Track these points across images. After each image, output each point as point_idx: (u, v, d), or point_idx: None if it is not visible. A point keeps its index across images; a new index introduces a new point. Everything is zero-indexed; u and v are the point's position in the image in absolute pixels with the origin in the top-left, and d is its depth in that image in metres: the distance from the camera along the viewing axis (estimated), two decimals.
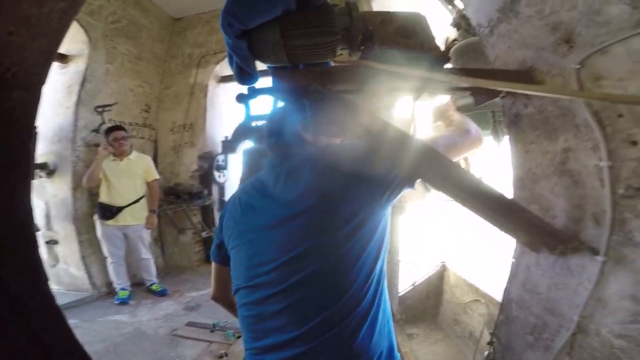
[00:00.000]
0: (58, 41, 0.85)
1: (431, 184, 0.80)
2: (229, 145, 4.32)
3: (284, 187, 0.74)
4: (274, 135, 0.82)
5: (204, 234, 4.08)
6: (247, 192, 0.83)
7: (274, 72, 0.86)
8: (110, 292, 3.28)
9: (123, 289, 3.19)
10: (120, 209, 3.11)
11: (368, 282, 0.69)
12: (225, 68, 4.38)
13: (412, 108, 0.91)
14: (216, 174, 4.29)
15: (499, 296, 1.73)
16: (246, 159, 2.72)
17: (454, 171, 0.72)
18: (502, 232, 0.83)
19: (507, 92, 0.90)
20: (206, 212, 4.27)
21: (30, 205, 0.80)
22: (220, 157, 4.33)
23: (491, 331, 1.09)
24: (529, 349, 0.90)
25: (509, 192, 0.91)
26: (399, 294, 2.21)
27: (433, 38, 0.83)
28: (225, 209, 0.88)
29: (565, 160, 0.80)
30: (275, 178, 0.77)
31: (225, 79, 4.50)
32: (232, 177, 4.49)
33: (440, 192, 0.80)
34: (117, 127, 3.31)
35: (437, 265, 2.29)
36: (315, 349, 0.65)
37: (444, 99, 0.98)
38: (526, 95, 0.87)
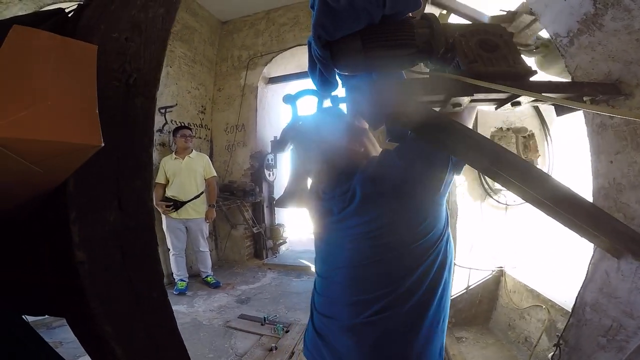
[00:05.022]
0: (164, 47, 0.86)
1: (508, 185, 0.84)
2: (278, 145, 4.52)
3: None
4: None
5: (254, 229, 4.32)
6: None
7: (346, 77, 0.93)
8: (170, 282, 3.52)
9: (182, 280, 3.44)
10: (183, 204, 3.38)
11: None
12: (272, 69, 4.58)
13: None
14: (266, 172, 4.51)
15: (562, 302, 1.71)
16: (294, 158, 2.86)
17: (534, 172, 0.76)
18: (582, 238, 0.86)
19: (591, 102, 0.91)
20: (257, 208, 4.51)
21: (152, 207, 0.86)
22: (270, 157, 4.55)
23: (558, 334, 1.11)
24: (601, 350, 0.92)
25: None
26: (451, 297, 2.21)
27: (517, 52, 0.87)
28: None
29: None
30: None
31: (273, 80, 4.70)
32: (280, 176, 4.70)
33: (515, 194, 0.84)
34: (185, 127, 3.63)
35: (493, 270, 2.26)
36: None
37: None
38: (613, 106, 0.88)
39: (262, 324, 2.63)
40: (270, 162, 4.58)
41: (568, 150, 2.21)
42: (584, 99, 0.90)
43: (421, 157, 0.79)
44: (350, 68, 0.91)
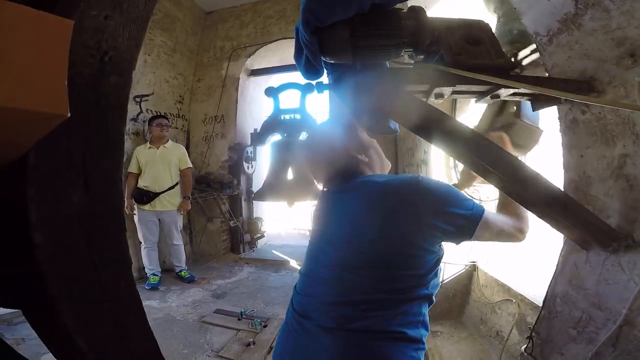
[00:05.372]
0: (144, 28, 0.84)
1: (480, 171, 0.85)
2: (258, 138, 4.47)
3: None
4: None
5: (231, 223, 4.23)
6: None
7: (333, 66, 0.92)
8: (141, 277, 3.40)
9: (154, 274, 3.32)
10: (156, 195, 3.26)
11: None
12: (255, 62, 4.50)
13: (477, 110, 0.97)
14: (245, 165, 4.43)
15: (532, 296, 1.78)
16: (274, 151, 2.82)
17: (509, 159, 0.78)
18: (554, 229, 0.89)
19: (565, 100, 0.94)
20: (234, 201, 4.42)
21: (121, 190, 0.82)
22: (249, 149, 4.47)
23: (530, 327, 1.15)
24: (572, 341, 0.96)
25: None
26: None
27: (500, 47, 0.88)
28: None
29: (623, 165, 0.84)
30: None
31: (255, 73, 4.62)
32: (260, 169, 4.63)
33: (489, 181, 0.86)
34: (162, 116, 3.50)
35: (466, 265, 2.33)
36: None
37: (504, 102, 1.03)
38: (585, 103, 0.91)
39: (239, 319, 2.58)
40: (249, 154, 4.49)
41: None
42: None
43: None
44: (337, 56, 0.90)
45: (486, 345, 2.08)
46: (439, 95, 0.91)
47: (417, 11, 0.90)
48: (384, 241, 0.74)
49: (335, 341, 0.72)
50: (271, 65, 4.63)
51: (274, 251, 4.45)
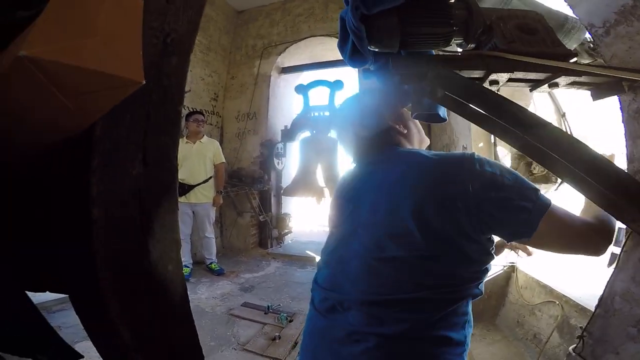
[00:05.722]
0: (200, 13, 0.84)
1: (552, 165, 0.78)
2: (288, 134, 4.54)
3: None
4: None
5: (261, 218, 4.33)
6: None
7: (394, 57, 0.91)
8: None
9: (186, 266, 3.38)
10: (191, 187, 3.38)
11: None
12: (285, 59, 4.59)
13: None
14: (275, 161, 4.52)
15: (576, 297, 1.69)
16: (303, 147, 2.84)
17: (574, 142, 0.72)
18: (619, 221, 0.84)
19: (628, 89, 0.89)
20: (264, 196, 4.52)
21: (176, 167, 0.82)
22: (280, 145, 4.55)
23: (581, 326, 1.09)
24: (630, 340, 0.90)
25: None
26: None
27: (556, 36, 0.86)
28: None
29: None
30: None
31: (286, 70, 4.71)
32: (289, 165, 4.70)
33: (550, 169, 0.80)
34: (198, 112, 3.64)
35: (504, 266, 2.25)
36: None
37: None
38: None
39: (265, 313, 2.62)
40: (279, 150, 4.58)
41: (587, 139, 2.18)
42: (623, 84, 0.89)
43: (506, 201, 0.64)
44: (384, 44, 0.89)
45: (521, 349, 2.00)
46: (494, 82, 0.89)
47: (467, 0, 0.89)
48: (428, 225, 0.63)
49: (366, 349, 0.64)
50: (301, 63, 4.69)
51: (300, 247, 4.50)
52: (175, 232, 0.76)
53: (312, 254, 4.12)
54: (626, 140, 0.97)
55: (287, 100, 4.87)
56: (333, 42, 4.14)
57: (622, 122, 0.98)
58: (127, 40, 0.54)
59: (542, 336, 1.85)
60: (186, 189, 3.39)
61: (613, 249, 2.20)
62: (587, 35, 1.15)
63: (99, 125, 0.62)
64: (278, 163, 4.60)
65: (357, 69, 1.20)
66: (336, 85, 2.94)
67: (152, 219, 0.70)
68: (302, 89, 3.00)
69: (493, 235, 0.69)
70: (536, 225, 0.62)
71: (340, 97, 2.79)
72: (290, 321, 2.49)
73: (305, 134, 3.03)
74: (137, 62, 0.53)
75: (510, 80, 0.88)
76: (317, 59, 4.59)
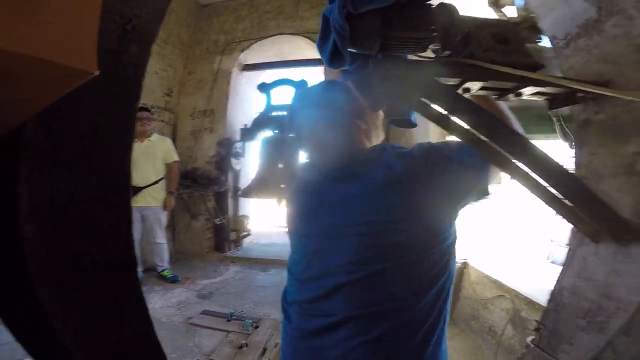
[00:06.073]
0: (168, 3, 0.78)
1: (501, 163, 0.85)
2: (248, 133, 4.40)
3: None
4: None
5: (217, 221, 4.13)
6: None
7: (376, 60, 0.91)
8: None
9: None
10: (139, 190, 3.12)
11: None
12: (249, 56, 4.46)
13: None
14: (233, 161, 4.35)
15: (525, 291, 1.85)
16: (264, 147, 2.78)
17: (533, 150, 0.79)
18: (567, 221, 0.93)
19: (580, 100, 0.99)
20: (221, 198, 4.32)
21: (130, 174, 0.74)
22: (239, 145, 4.39)
23: (535, 319, 1.19)
24: (581, 331, 1.00)
25: None
26: None
27: (526, 47, 0.92)
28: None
29: (635, 162, 0.90)
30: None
31: (248, 67, 4.56)
32: (248, 165, 4.55)
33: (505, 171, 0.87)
34: (141, 108, 3.34)
35: (457, 262, 2.39)
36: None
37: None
38: (598, 103, 0.97)
39: (228, 320, 2.49)
40: (238, 150, 4.40)
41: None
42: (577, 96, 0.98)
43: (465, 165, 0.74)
44: (365, 45, 0.88)
45: (479, 342, 2.14)
46: (467, 90, 0.93)
47: (449, 8, 0.91)
48: (404, 226, 0.67)
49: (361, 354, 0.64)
50: (265, 61, 4.59)
51: (260, 250, 4.38)
52: (131, 249, 0.66)
53: (274, 256, 4.03)
54: (575, 148, 1.07)
55: (247, 99, 4.73)
56: (301, 41, 4.10)
57: (572, 131, 1.08)
58: (79, 20, 0.44)
59: (497, 329, 1.99)
60: (134, 191, 3.12)
61: (551, 244, 2.45)
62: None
63: (30, 123, 0.50)
64: (236, 163, 4.43)
65: (324, 71, 1.15)
66: (301, 85, 2.92)
67: (101, 237, 0.59)
68: (265, 87, 2.93)
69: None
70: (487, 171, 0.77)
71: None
72: (256, 327, 2.39)
73: (267, 133, 2.96)
74: (90, 48, 0.45)
75: (481, 88, 0.93)
76: (283, 57, 4.52)
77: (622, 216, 0.87)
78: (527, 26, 1.20)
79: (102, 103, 0.61)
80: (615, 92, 0.73)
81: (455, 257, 0.76)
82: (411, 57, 1.01)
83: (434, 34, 0.89)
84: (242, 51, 4.32)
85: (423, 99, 0.87)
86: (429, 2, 0.89)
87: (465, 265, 2.39)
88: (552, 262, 2.37)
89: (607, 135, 0.96)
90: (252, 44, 4.30)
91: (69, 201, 0.54)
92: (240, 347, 2.15)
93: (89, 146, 0.59)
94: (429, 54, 1.09)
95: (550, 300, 1.13)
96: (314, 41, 4.56)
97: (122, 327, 0.67)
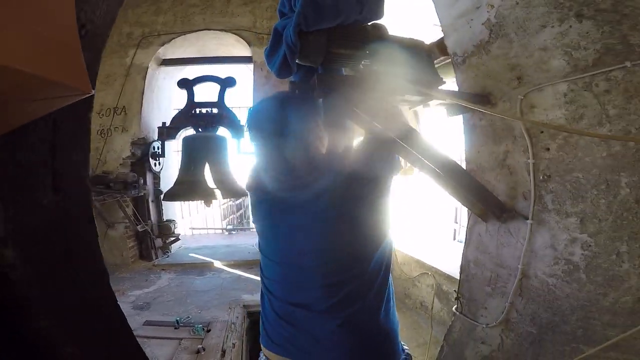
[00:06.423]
0: (119, 4, 0.79)
1: (411, 160, 1.06)
2: (168, 132, 4.06)
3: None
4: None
5: (139, 228, 3.78)
6: None
7: (319, 76, 1.01)
8: None
9: None
10: None
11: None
12: (169, 51, 4.14)
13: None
14: (152, 162, 4.00)
15: (443, 267, 2.19)
16: (188, 146, 2.64)
17: (434, 150, 1.01)
18: (462, 204, 1.19)
19: (470, 109, 1.26)
20: (140, 203, 3.95)
21: (90, 188, 0.74)
22: (157, 144, 4.04)
23: (455, 289, 1.46)
24: (489, 297, 1.26)
25: None
26: None
27: (433, 64, 1.13)
28: None
29: (505, 158, 1.19)
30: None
31: (167, 62, 4.23)
32: (169, 166, 4.25)
33: (415, 165, 1.09)
34: None
35: None
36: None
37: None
38: (482, 111, 1.25)
39: (176, 328, 2.39)
40: (156, 150, 4.00)
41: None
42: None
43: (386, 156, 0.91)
44: (311, 59, 0.97)
45: (415, 317, 2.45)
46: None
47: (380, 28, 1.06)
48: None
49: (337, 319, 0.79)
50: (187, 56, 4.31)
51: (192, 254, 4.16)
52: (100, 258, 0.67)
53: (208, 259, 3.88)
54: (465, 147, 1.36)
55: (165, 95, 4.39)
56: (230, 38, 3.97)
57: (463, 133, 1.37)
58: (61, 24, 0.43)
59: (427, 304, 2.31)
60: None
61: (455, 226, 2.88)
62: None
63: None
64: (155, 164, 4.08)
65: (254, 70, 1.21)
66: (227, 81, 2.82)
67: (75, 250, 0.60)
68: (186, 84, 2.76)
69: None
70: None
71: (231, 94, 2.72)
72: (208, 331, 2.35)
73: (189, 131, 2.80)
74: (78, 63, 0.44)
75: (400, 101, 1.12)
76: (207, 53, 4.29)
77: (500, 200, 1.16)
78: (437, 45, 1.42)
79: (56, 119, 0.59)
80: (485, 109, 0.98)
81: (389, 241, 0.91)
82: (347, 70, 1.15)
83: (367, 51, 1.04)
84: (162, 45, 3.98)
85: (355, 109, 1.02)
86: (365, 24, 1.03)
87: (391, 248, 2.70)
88: (459, 241, 2.82)
89: (488, 137, 1.25)
90: (173, 38, 3.99)
91: (43, 219, 0.54)
92: (198, 352, 2.10)
93: (50, 165, 0.57)
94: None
95: (461, 272, 1.41)
96: (244, 38, 4.40)
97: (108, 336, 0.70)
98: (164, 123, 4.38)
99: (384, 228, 0.88)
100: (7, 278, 0.48)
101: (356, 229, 0.84)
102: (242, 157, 2.95)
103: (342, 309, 0.80)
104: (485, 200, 1.15)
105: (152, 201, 4.16)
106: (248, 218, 8.56)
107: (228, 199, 6.71)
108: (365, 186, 0.84)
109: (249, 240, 4.63)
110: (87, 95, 0.44)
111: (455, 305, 1.41)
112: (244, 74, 4.35)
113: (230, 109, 2.68)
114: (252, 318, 2.62)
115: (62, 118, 0.64)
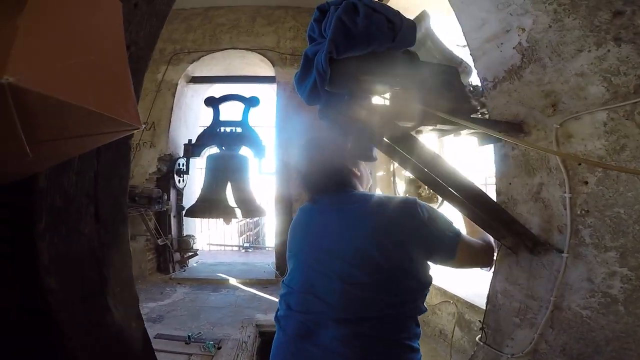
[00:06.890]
0: (162, 24, 0.80)
1: (444, 194, 1.03)
2: (193, 149, 4.20)
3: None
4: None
5: (159, 241, 3.85)
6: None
7: (345, 101, 1.02)
8: None
9: None
10: None
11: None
12: (197, 69, 4.31)
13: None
14: (176, 178, 4.11)
15: (465, 296, 2.09)
16: (211, 165, 2.68)
17: (466, 182, 0.98)
18: (493, 238, 1.15)
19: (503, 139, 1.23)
20: (162, 218, 4.04)
21: (127, 216, 0.76)
22: (182, 161, 4.16)
23: (479, 319, 1.39)
24: (517, 328, 1.20)
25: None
26: None
27: (466, 91, 1.12)
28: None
29: (540, 190, 1.15)
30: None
31: (196, 80, 4.40)
32: (192, 183, 4.35)
33: (447, 201, 1.06)
34: None
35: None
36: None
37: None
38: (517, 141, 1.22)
39: (187, 343, 2.36)
40: (181, 167, 4.15)
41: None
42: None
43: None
44: (339, 86, 0.98)
45: (433, 345, 2.34)
46: (419, 131, 1.10)
47: (411, 53, 1.06)
48: (388, 256, 0.81)
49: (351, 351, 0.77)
50: (214, 75, 4.48)
51: (209, 270, 4.18)
52: (133, 286, 0.67)
53: (224, 276, 3.88)
54: (496, 178, 1.32)
55: (192, 113, 4.55)
56: (256, 58, 4.10)
57: (494, 163, 1.33)
58: (112, 55, 0.44)
59: (447, 332, 2.21)
60: None
61: None
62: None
63: (44, 174, 0.49)
64: (179, 180, 4.19)
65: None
66: (251, 101, 2.91)
67: (109, 279, 0.61)
68: (213, 102, 2.85)
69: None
70: (455, 249, 0.87)
71: (255, 114, 2.76)
72: (219, 348, 2.31)
73: (213, 149, 2.86)
74: (130, 99, 0.46)
75: (433, 129, 1.11)
76: (233, 72, 4.46)
77: (533, 233, 1.11)
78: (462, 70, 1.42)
79: (100, 147, 0.60)
80: (519, 141, 0.96)
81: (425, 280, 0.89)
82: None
83: (397, 78, 1.04)
84: (191, 62, 4.17)
85: (385, 139, 1.02)
86: (397, 52, 1.03)
87: None
88: (484, 270, 2.68)
89: (521, 168, 1.21)
90: (202, 56, 4.17)
91: (83, 248, 0.56)
92: None
93: (94, 190, 0.58)
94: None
95: (487, 303, 1.34)
96: (268, 58, 4.53)
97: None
98: (189, 140, 4.55)
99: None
100: (47, 302, 0.50)
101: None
102: (263, 177, 3.01)
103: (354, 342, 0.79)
104: (517, 233, 1.10)
105: (174, 216, 4.24)
106: (264, 236, 8.62)
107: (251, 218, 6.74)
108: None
109: (265, 259, 4.62)
110: (138, 130, 0.45)
111: (479, 335, 1.34)
112: (267, 93, 4.47)
113: (253, 128, 2.76)
114: (265, 338, 2.57)
115: (105, 147, 0.66)
